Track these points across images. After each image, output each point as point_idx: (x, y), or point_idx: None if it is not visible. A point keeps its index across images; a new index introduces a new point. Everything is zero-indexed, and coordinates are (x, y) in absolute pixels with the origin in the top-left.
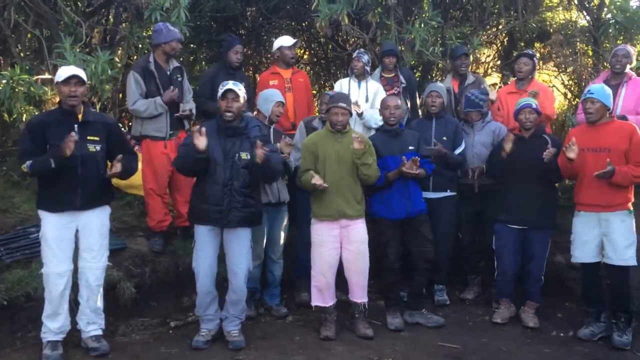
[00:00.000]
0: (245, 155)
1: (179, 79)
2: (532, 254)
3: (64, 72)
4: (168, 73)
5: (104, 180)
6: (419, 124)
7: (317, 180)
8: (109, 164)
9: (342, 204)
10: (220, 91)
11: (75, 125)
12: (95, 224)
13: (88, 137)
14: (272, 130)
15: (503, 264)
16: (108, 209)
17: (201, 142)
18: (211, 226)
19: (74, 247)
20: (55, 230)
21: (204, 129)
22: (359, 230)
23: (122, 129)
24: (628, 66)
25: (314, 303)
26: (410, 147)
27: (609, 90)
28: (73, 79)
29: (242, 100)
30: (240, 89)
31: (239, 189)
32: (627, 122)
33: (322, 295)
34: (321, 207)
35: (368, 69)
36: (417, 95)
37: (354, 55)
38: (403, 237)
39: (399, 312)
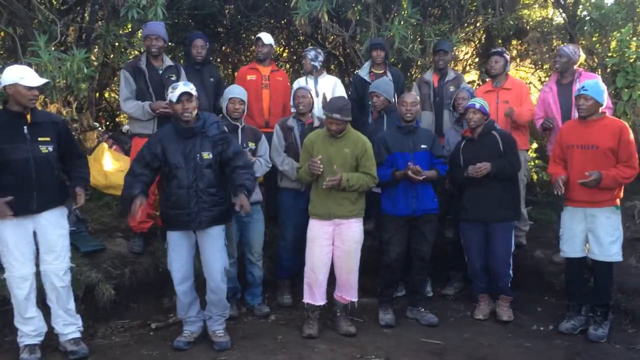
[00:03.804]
0: (207, 155)
1: (172, 78)
2: (493, 249)
3: (33, 78)
4: (160, 72)
5: (58, 181)
6: (375, 121)
7: (313, 163)
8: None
9: (333, 206)
10: (175, 95)
11: (25, 127)
12: (53, 226)
13: (39, 139)
14: (240, 129)
15: (471, 260)
16: (65, 209)
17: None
18: (183, 231)
19: (35, 250)
20: (13, 233)
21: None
22: (353, 229)
23: (73, 128)
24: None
25: (304, 300)
26: (423, 146)
27: (603, 87)
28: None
29: (195, 99)
30: (192, 88)
31: (205, 189)
32: (618, 119)
33: (312, 293)
34: (314, 207)
35: (316, 64)
36: None
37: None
38: (408, 235)
39: (391, 308)
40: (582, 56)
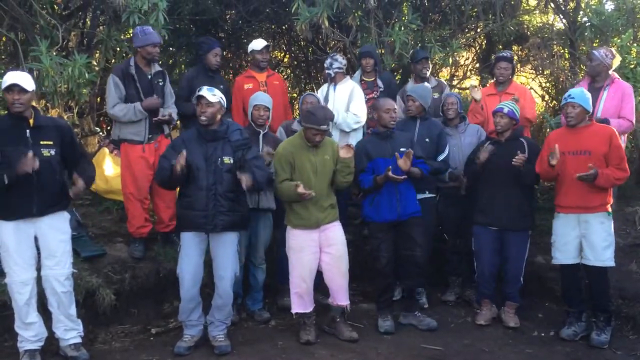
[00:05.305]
0: (228, 160)
1: (160, 84)
2: (508, 255)
3: (7, 79)
4: (149, 77)
5: (60, 185)
6: (404, 124)
7: (302, 189)
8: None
9: (319, 215)
10: (195, 97)
11: (27, 130)
12: (54, 231)
13: (41, 142)
14: (261, 136)
15: (481, 264)
16: (66, 215)
17: (180, 163)
18: (197, 232)
19: (37, 255)
20: (13, 237)
21: (184, 153)
22: (336, 232)
23: (75, 132)
24: (612, 68)
25: (295, 310)
26: (402, 149)
27: (588, 95)
28: (15, 87)
29: (216, 105)
30: (214, 94)
31: (224, 193)
32: (606, 125)
33: (302, 301)
34: (299, 218)
35: (330, 72)
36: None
37: None
38: (395, 239)
39: (390, 314)
40: (617, 58)
